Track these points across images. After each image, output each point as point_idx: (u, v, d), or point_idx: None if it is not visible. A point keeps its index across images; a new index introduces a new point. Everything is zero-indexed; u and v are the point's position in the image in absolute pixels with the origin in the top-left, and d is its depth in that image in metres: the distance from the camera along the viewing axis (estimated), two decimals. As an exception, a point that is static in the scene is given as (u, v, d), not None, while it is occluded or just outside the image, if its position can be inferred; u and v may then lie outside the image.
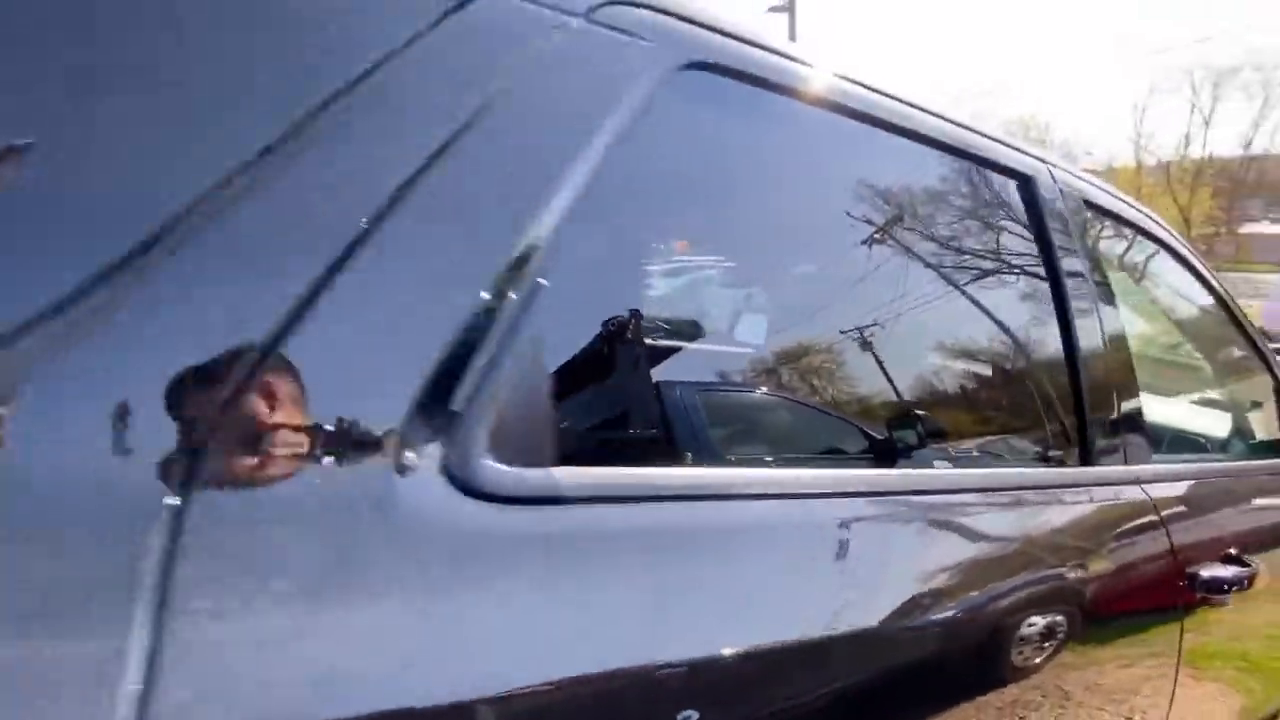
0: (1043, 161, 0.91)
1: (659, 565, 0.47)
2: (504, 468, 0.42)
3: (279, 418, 0.35)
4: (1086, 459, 0.86)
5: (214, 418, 0.34)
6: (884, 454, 0.71)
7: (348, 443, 0.37)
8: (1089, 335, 0.88)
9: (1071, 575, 0.75)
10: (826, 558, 0.55)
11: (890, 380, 0.73)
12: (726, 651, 0.46)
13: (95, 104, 0.34)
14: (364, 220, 0.39)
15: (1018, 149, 0.88)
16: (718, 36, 0.58)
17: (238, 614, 0.33)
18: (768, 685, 0.49)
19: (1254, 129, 21.94)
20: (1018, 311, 0.89)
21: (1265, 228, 20.79)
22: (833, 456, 0.73)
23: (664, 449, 0.59)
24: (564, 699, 0.41)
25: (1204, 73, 21.95)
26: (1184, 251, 1.22)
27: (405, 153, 0.41)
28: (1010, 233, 0.88)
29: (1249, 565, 0.99)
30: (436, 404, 0.40)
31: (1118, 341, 0.94)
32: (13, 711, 0.28)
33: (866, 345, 0.70)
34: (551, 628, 0.42)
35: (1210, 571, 0.94)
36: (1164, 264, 1.22)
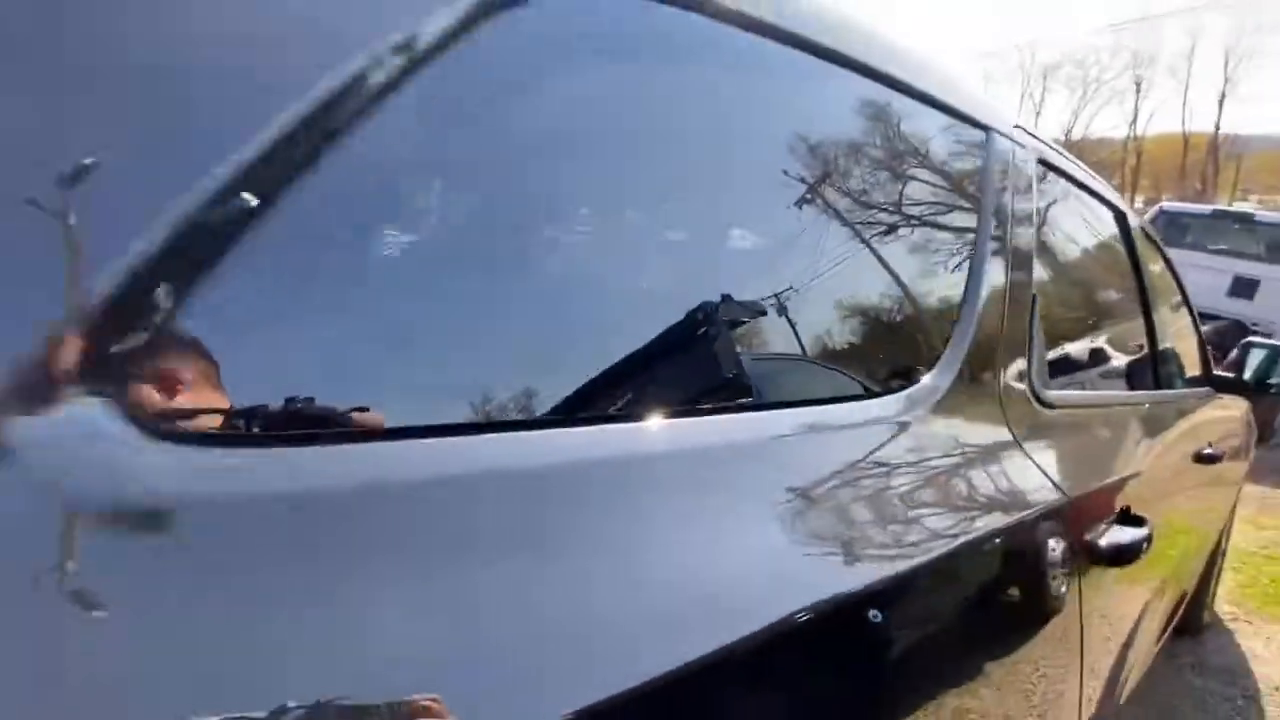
0: (1126, 204, 1.47)
1: (1102, 435, 0.98)
2: (1041, 388, 0.87)
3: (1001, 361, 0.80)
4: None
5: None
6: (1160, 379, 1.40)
7: (1011, 381, 0.82)
8: (1162, 312, 1.47)
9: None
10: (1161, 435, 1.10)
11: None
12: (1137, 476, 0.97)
13: None
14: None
15: (1116, 193, 1.43)
16: (1044, 145, 1.05)
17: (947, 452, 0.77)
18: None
19: (1073, 118, 25.37)
20: (1135, 304, 1.47)
21: (1081, 204, 24.24)
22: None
23: (1097, 381, 1.10)
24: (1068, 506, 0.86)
25: (1034, 68, 24.95)
26: (1161, 245, 1.87)
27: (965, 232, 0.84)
28: (1114, 248, 1.43)
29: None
30: (1026, 360, 0.85)
31: (1164, 313, 1.54)
32: None
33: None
34: (1061, 464, 0.88)
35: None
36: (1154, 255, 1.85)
